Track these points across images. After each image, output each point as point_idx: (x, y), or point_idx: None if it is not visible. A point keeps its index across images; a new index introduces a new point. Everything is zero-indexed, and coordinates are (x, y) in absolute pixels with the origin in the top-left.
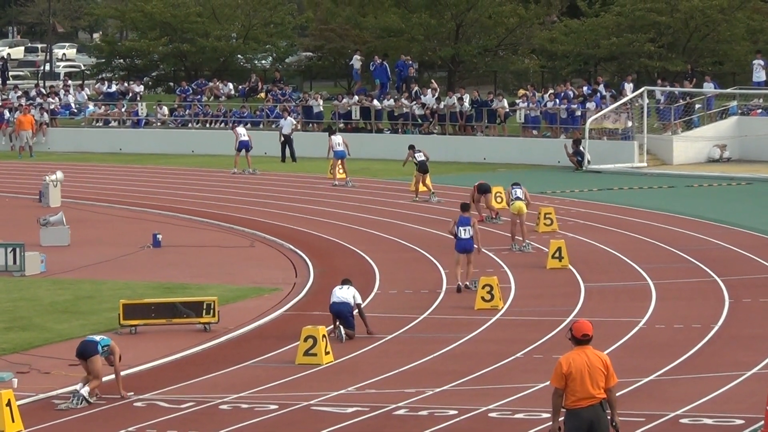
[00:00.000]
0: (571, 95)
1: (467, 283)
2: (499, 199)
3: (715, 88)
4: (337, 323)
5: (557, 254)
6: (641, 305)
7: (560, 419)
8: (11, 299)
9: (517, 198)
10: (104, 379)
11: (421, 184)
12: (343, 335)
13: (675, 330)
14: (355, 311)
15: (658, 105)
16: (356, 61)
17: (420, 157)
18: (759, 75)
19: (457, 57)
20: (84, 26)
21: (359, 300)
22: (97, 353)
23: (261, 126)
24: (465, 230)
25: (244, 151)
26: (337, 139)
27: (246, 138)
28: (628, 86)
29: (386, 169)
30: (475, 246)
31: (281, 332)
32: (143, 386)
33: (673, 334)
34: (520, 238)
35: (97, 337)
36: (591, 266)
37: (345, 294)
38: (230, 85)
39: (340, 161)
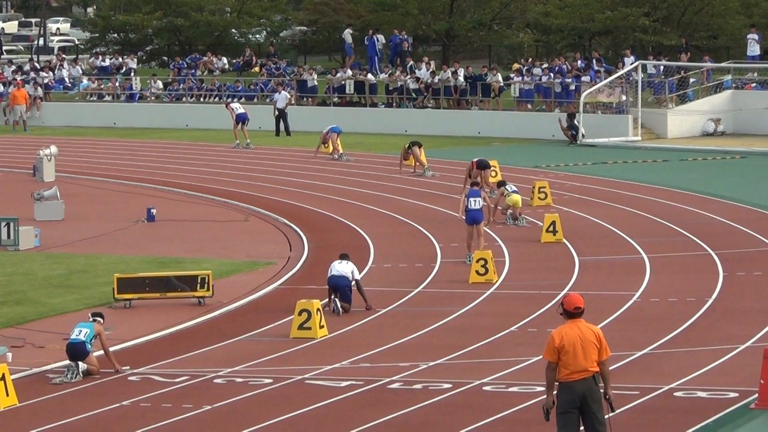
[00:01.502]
0: (565, 69)
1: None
2: (493, 173)
3: (710, 62)
4: (333, 297)
5: (551, 228)
6: (635, 279)
7: (554, 393)
8: (5, 273)
9: (514, 192)
10: (95, 354)
11: (408, 160)
12: (339, 308)
13: (669, 303)
14: (354, 287)
15: (652, 79)
16: (347, 35)
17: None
18: (753, 49)
19: (451, 31)
20: (78, 0)
21: (357, 276)
22: (88, 353)
23: (255, 100)
24: (475, 201)
25: (241, 123)
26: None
27: (242, 110)
28: (628, 60)
29: (381, 143)
30: (484, 218)
31: (275, 306)
32: (137, 360)
33: (667, 307)
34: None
35: (82, 335)
36: (585, 240)
37: (344, 268)
38: (224, 60)
39: (336, 135)
